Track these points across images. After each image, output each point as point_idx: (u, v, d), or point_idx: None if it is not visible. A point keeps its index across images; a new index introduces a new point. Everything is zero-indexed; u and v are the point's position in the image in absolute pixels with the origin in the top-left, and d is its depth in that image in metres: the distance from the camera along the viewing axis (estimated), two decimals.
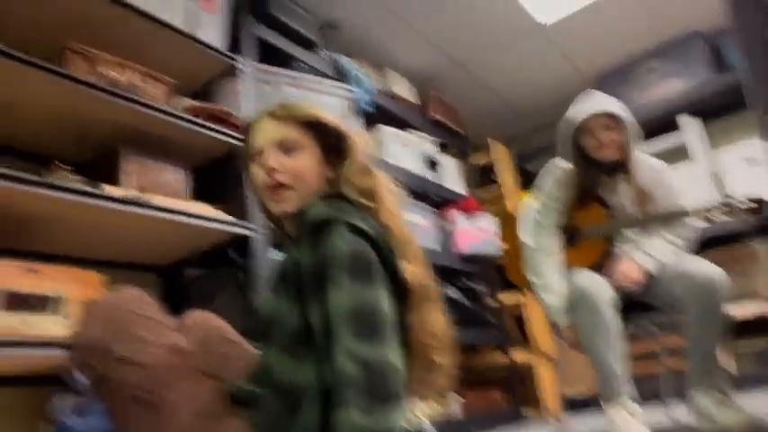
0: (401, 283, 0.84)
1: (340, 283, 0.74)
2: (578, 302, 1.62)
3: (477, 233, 3.20)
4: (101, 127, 1.80)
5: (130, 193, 1.64)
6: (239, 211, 1.97)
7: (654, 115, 3.58)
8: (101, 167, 1.80)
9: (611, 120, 1.71)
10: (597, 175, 1.79)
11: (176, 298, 2.21)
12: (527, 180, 4.06)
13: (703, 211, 1.62)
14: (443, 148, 3.47)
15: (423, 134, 3.24)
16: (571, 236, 1.84)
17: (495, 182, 3.85)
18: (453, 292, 3.02)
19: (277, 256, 2.02)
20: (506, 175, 3.83)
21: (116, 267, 2.04)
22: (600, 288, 1.61)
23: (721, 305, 1.52)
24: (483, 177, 3.91)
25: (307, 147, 0.91)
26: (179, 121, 1.85)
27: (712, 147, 3.54)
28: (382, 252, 0.81)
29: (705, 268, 1.56)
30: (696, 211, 1.65)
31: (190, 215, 1.76)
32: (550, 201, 1.85)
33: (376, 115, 2.87)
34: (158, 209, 1.67)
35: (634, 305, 1.71)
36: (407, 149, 3.03)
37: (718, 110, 3.63)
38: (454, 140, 3.64)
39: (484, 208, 3.46)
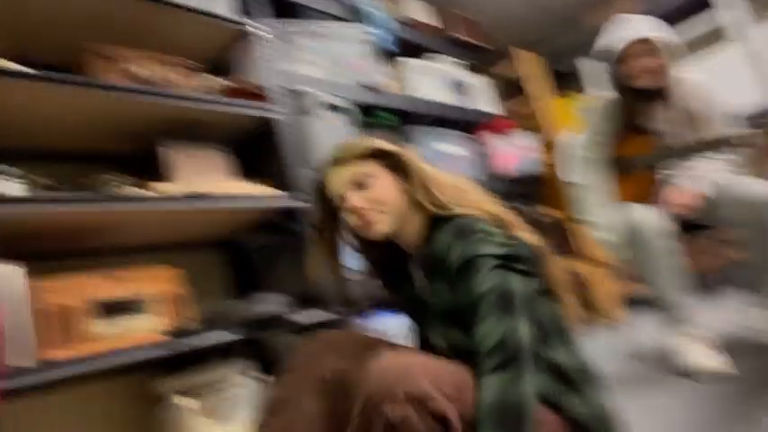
0: (536, 255, 0.94)
1: (485, 319, 0.80)
2: (633, 239, 1.62)
3: (515, 153, 3.17)
4: (137, 122, 1.84)
5: (180, 187, 1.70)
6: (281, 180, 2.03)
7: None
8: (148, 161, 1.86)
9: (647, 45, 1.63)
10: (639, 102, 1.73)
11: (242, 268, 2.34)
12: (561, 82, 3.93)
13: (747, 136, 1.56)
14: (471, 67, 3.37)
15: (447, 57, 3.14)
16: (620, 168, 1.81)
17: (526, 93, 3.74)
18: None
19: None
20: (538, 82, 3.71)
21: (183, 249, 2.17)
22: (653, 221, 1.60)
23: None
24: (515, 89, 3.80)
25: (376, 174, 0.98)
26: (209, 105, 1.86)
27: (754, 21, 3.31)
28: (514, 255, 0.88)
29: (762, 190, 1.53)
30: (740, 138, 1.58)
31: (237, 197, 1.82)
32: (596, 135, 1.81)
33: (398, 48, 2.79)
34: (208, 198, 1.74)
35: (692, 227, 1.70)
36: (433, 78, 2.96)
37: None
38: (480, 56, 3.52)
39: (518, 123, 3.40)
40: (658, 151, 1.70)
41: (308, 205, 2.01)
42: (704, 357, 1.50)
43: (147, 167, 1.81)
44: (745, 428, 1.17)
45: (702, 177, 1.65)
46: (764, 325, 1.54)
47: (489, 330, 0.78)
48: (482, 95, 3.33)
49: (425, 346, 1.02)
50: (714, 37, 3.37)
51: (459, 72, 3.20)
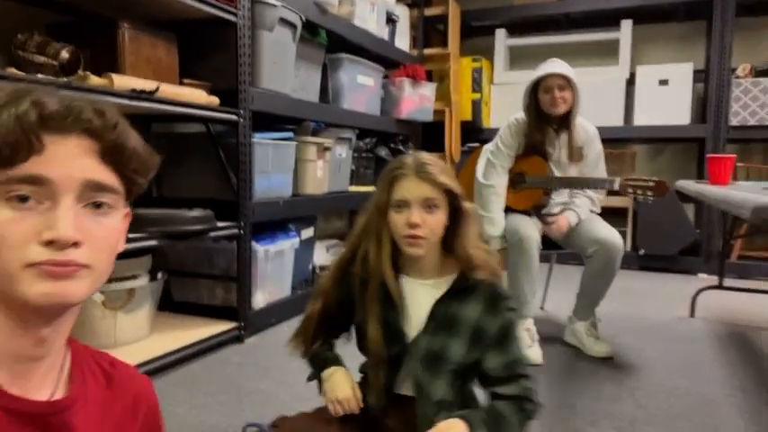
0: None
1: (514, 340, 1.08)
2: (513, 243, 2.04)
3: (417, 100, 3.38)
4: None
5: (126, 81, 1.59)
6: (221, 87, 1.99)
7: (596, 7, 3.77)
8: (98, 35, 1.68)
9: (565, 81, 2.05)
10: (545, 127, 2.12)
11: None
12: (468, 38, 4.14)
13: (623, 184, 2.03)
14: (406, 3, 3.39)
15: None
16: (516, 180, 2.21)
17: (441, 36, 3.90)
18: (384, 153, 3.30)
19: (259, 140, 2.12)
20: (455, 35, 3.87)
21: None
22: (532, 234, 2.03)
23: (617, 266, 2.01)
24: (433, 34, 3.92)
25: (442, 207, 1.04)
26: None
27: (637, 59, 3.86)
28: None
29: (613, 237, 2.01)
30: (617, 184, 2.04)
31: (180, 103, 1.76)
32: (504, 146, 2.18)
33: None
34: (152, 100, 1.65)
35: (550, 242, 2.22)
36: (374, 9, 2.96)
37: (651, 22, 3.89)
38: None
39: (427, 70, 3.57)
40: (547, 178, 2.15)
41: (242, 120, 2.02)
42: (530, 351, 2.02)
43: (98, 40, 1.64)
44: (567, 414, 1.68)
45: (577, 211, 2.13)
46: (579, 337, 2.12)
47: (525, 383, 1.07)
48: (404, 32, 3.41)
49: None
50: (607, 52, 3.87)
51: (395, 6, 3.21)
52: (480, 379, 1.08)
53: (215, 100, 1.92)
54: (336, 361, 1.11)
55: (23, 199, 0.48)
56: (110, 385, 0.61)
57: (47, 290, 0.48)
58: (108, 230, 0.53)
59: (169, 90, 1.73)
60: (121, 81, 1.57)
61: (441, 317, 1.07)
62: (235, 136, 2.02)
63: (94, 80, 1.50)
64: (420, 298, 1.08)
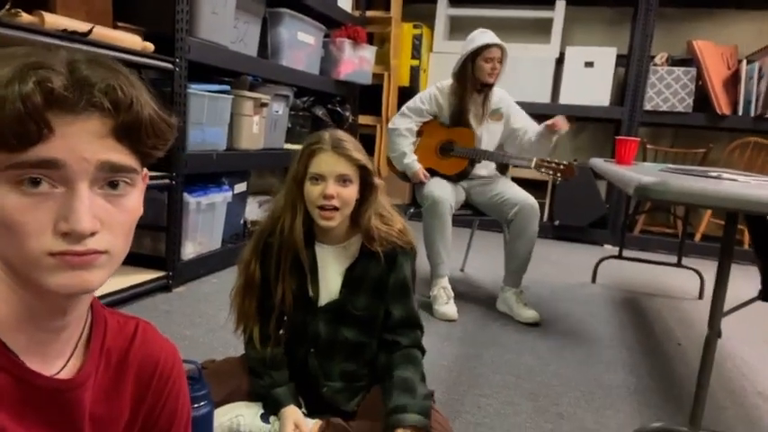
0: None
1: (411, 295, 1.19)
2: (429, 208, 2.19)
3: (356, 62, 3.40)
4: None
5: (58, 21, 1.55)
6: (159, 28, 1.95)
7: None
8: None
9: (500, 53, 2.24)
10: (470, 91, 2.28)
11: None
12: (410, 3, 4.17)
13: (538, 164, 2.21)
14: None
15: None
16: (445, 147, 2.35)
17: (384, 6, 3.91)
18: (321, 113, 3.33)
19: (196, 90, 2.11)
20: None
21: None
22: (445, 198, 2.18)
23: (536, 227, 2.19)
24: None
25: (355, 181, 1.12)
26: None
27: (567, 40, 4.04)
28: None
29: (530, 200, 2.21)
30: (533, 163, 2.22)
31: (114, 47, 1.73)
32: (422, 103, 2.35)
33: None
34: (85, 41, 1.62)
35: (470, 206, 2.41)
36: None
37: (583, 4, 4.07)
38: None
39: (368, 33, 3.59)
40: (474, 151, 2.32)
41: (178, 69, 2.00)
42: (446, 307, 2.18)
43: None
44: (474, 363, 1.85)
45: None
46: (509, 305, 2.27)
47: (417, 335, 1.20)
48: None
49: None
50: (541, 30, 4.02)
51: None
52: (382, 323, 1.20)
53: (150, 46, 1.89)
54: (285, 398, 1.13)
55: (35, 182, 0.45)
56: (129, 352, 0.61)
57: (66, 281, 0.47)
58: (126, 212, 0.50)
59: (103, 33, 1.69)
60: (53, 20, 1.52)
61: (350, 281, 1.17)
62: (169, 85, 2.00)
63: (25, 17, 1.45)
64: (330, 262, 1.18)
